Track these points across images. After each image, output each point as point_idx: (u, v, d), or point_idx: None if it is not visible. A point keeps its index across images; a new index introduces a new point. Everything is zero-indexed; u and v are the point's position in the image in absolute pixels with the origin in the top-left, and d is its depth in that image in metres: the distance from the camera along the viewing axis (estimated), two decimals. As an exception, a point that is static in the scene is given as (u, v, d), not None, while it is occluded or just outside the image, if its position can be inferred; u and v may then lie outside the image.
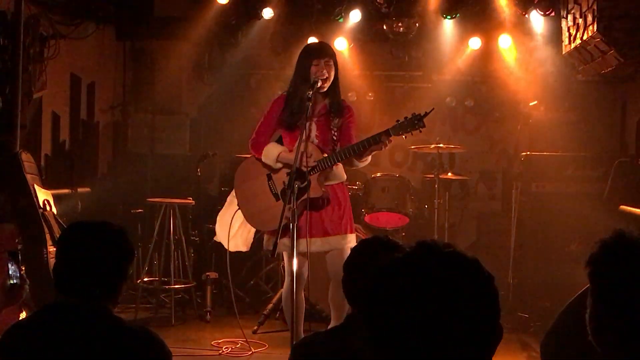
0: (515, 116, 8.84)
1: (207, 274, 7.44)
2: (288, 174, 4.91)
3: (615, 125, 8.67)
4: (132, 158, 9.19)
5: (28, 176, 6.33)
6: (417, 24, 8.50)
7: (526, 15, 8.08)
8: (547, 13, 7.85)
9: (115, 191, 8.49)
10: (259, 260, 7.94)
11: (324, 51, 5.16)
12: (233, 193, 5.54)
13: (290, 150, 5.06)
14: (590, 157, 7.62)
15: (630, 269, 1.75)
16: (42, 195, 6.37)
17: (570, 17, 7.16)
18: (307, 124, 5.06)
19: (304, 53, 5.21)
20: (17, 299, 2.93)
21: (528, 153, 7.70)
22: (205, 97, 9.58)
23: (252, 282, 7.87)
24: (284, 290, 5.36)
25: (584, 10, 6.66)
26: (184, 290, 7.53)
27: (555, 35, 7.99)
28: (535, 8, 7.85)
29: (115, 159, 9.41)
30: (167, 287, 7.35)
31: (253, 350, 6.09)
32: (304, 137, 4.88)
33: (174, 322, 7.03)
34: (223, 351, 6.11)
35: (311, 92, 4.92)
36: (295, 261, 4.74)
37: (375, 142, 4.90)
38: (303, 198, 4.87)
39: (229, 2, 8.40)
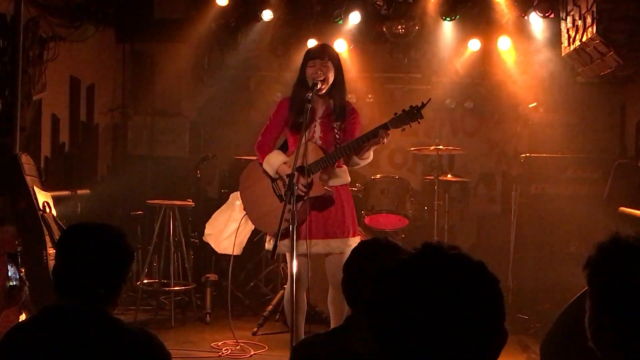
0: (514, 118, 8.85)
1: (207, 276, 7.43)
2: (288, 175, 4.91)
3: (615, 127, 8.67)
4: (132, 160, 9.19)
5: (28, 178, 6.33)
6: (416, 26, 8.51)
7: (525, 17, 8.09)
8: (546, 15, 7.85)
9: (115, 193, 8.49)
10: (259, 262, 7.95)
11: (320, 52, 5.16)
12: (232, 196, 5.54)
13: (292, 152, 5.06)
14: (590, 158, 7.62)
15: (627, 271, 1.76)
16: (42, 197, 6.37)
17: (569, 19, 7.17)
18: (312, 125, 5.08)
19: (303, 55, 5.23)
20: (17, 301, 2.93)
21: (527, 155, 7.70)
22: (204, 99, 9.59)
23: (251, 284, 7.87)
24: (285, 292, 5.36)
25: (583, 12, 6.66)
26: (184, 292, 7.53)
27: (554, 37, 7.99)
28: (534, 10, 7.85)
29: (114, 161, 9.42)
30: (166, 289, 7.35)
31: (253, 352, 6.09)
32: (304, 139, 4.88)
33: (173, 324, 7.03)
34: (222, 353, 6.11)
35: (310, 94, 4.92)
36: (294, 263, 4.74)
37: (374, 136, 4.90)
38: (305, 198, 4.87)
39: (228, 4, 8.41)
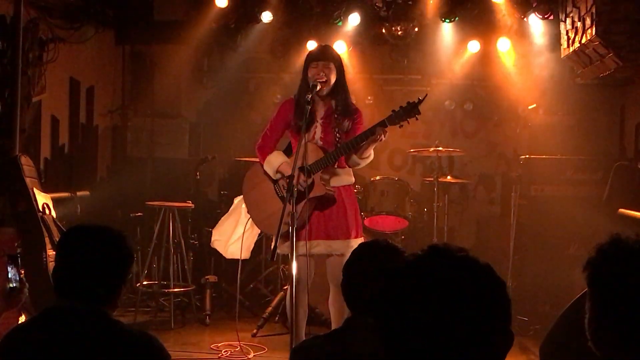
0: (514, 119, 8.85)
1: (207, 277, 7.43)
2: (287, 177, 4.91)
3: (614, 129, 8.67)
4: (132, 162, 9.20)
5: (27, 180, 6.34)
6: (416, 28, 8.51)
7: (525, 19, 8.09)
8: (545, 16, 7.86)
9: (115, 195, 8.49)
10: (259, 264, 7.95)
11: (321, 54, 5.17)
12: (237, 200, 5.54)
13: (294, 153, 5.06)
14: (589, 160, 7.62)
15: (627, 272, 1.76)
16: (42, 199, 6.38)
17: (568, 20, 7.17)
18: (313, 126, 5.09)
19: (305, 57, 5.24)
20: (17, 303, 2.93)
21: (527, 156, 7.70)
22: (204, 100, 9.59)
23: (251, 286, 7.87)
24: (287, 293, 5.36)
25: (582, 13, 6.66)
26: (183, 293, 7.53)
27: (553, 39, 8.00)
28: (533, 11, 7.86)
29: (114, 163, 9.42)
30: (166, 290, 7.34)
31: (253, 354, 6.09)
32: (305, 140, 4.88)
33: (173, 325, 7.03)
34: (222, 354, 6.11)
35: (310, 96, 4.92)
36: (294, 264, 4.74)
37: (371, 133, 4.90)
38: (306, 198, 4.87)
39: (228, 6, 8.41)
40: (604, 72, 6.90)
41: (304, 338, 4.98)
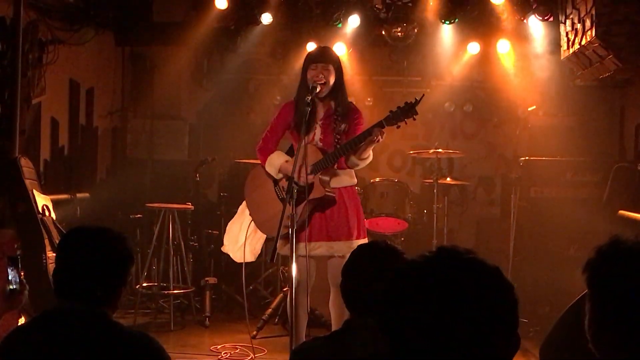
0: (513, 121, 8.85)
1: (206, 279, 7.44)
2: (287, 179, 4.91)
3: (614, 130, 8.67)
4: (131, 163, 9.19)
5: (27, 181, 6.34)
6: (415, 29, 8.52)
7: (524, 21, 8.09)
8: (545, 18, 7.86)
9: (114, 196, 8.48)
10: (258, 266, 7.94)
11: (320, 56, 5.18)
12: (242, 204, 5.53)
13: (295, 154, 5.07)
14: (589, 162, 7.61)
15: (627, 274, 1.76)
16: (41, 200, 6.37)
17: (568, 22, 7.17)
18: (312, 128, 5.10)
19: (305, 58, 5.24)
20: (17, 305, 2.93)
21: (527, 158, 7.70)
22: (204, 102, 9.59)
23: (251, 287, 7.87)
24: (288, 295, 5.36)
25: (582, 15, 6.67)
26: (183, 295, 7.53)
27: (553, 41, 8.00)
28: (533, 13, 7.86)
29: (114, 165, 9.42)
30: (166, 292, 7.35)
31: (252, 355, 6.09)
32: (305, 141, 4.89)
33: (172, 327, 7.03)
34: (222, 356, 6.11)
35: (310, 97, 4.93)
36: (294, 266, 4.74)
37: (369, 134, 4.91)
38: (306, 200, 4.87)
39: (228, 7, 8.41)
40: (603, 74, 6.90)
41: (303, 340, 4.98)
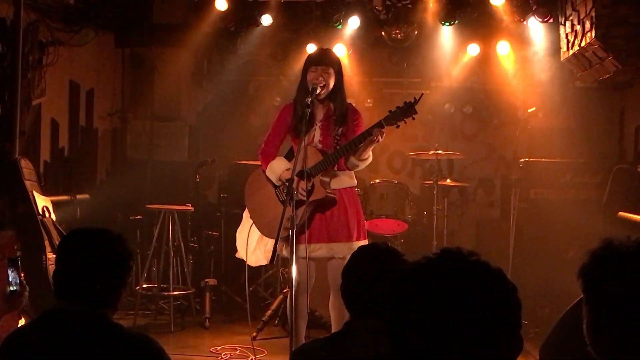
0: (513, 122, 8.86)
1: (206, 280, 7.43)
2: (287, 180, 4.91)
3: (614, 132, 8.68)
4: (131, 165, 9.19)
5: (27, 183, 6.34)
6: (415, 31, 8.52)
7: (524, 22, 8.10)
8: (545, 20, 7.86)
9: (114, 198, 8.48)
10: (258, 267, 7.92)
11: (321, 58, 5.17)
12: (246, 212, 5.53)
13: (295, 156, 5.06)
14: (589, 163, 7.62)
15: (620, 276, 1.76)
16: (41, 202, 6.38)
17: (568, 23, 7.18)
18: (312, 129, 5.10)
19: (305, 60, 5.24)
20: (17, 306, 2.93)
21: (527, 159, 7.70)
22: (204, 103, 9.59)
23: (251, 289, 7.86)
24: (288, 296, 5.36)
25: (582, 17, 6.67)
26: (183, 296, 7.53)
27: (553, 42, 8.01)
28: (533, 15, 7.87)
29: (114, 166, 9.42)
30: (166, 293, 7.35)
31: (252, 357, 6.09)
32: (305, 143, 4.89)
33: (172, 328, 7.03)
34: (222, 357, 6.11)
35: (309, 99, 4.93)
36: (294, 267, 4.74)
37: (369, 134, 4.91)
38: (308, 201, 4.88)
39: (228, 9, 8.41)
40: (603, 75, 6.91)
41: (303, 341, 4.98)
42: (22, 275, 4.35)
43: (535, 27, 8.19)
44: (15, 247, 5.45)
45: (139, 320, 7.24)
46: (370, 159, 5.21)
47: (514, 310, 1.56)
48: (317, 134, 5.16)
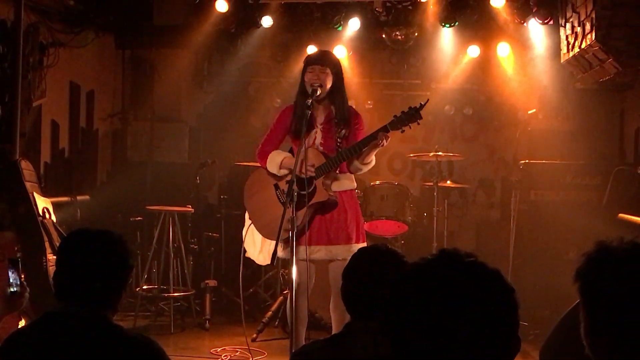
0: (513, 124, 8.85)
1: (206, 281, 7.43)
2: (287, 182, 4.91)
3: (614, 133, 8.68)
4: (132, 166, 9.19)
5: (27, 184, 6.34)
6: (415, 33, 8.52)
7: (524, 24, 8.09)
8: (545, 22, 7.86)
9: (115, 199, 8.49)
10: (258, 268, 7.93)
11: (318, 59, 5.17)
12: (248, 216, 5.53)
13: (295, 157, 5.06)
14: (589, 165, 7.62)
15: (615, 278, 1.77)
16: (42, 203, 6.37)
17: (568, 25, 7.18)
18: (312, 131, 5.10)
19: (304, 61, 5.24)
20: (18, 307, 2.93)
21: (527, 161, 7.70)
22: (204, 105, 9.59)
23: (251, 290, 7.87)
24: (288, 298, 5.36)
25: (582, 18, 6.68)
26: (183, 298, 7.52)
27: (553, 44, 8.01)
28: (533, 17, 7.86)
29: (114, 167, 9.42)
30: (166, 295, 7.35)
31: (252, 358, 6.09)
32: (305, 145, 4.89)
33: (173, 330, 7.03)
34: (222, 359, 6.11)
35: (310, 100, 4.93)
36: (294, 269, 4.74)
37: (373, 138, 4.91)
38: (309, 203, 4.87)
39: (228, 10, 8.41)
40: (603, 77, 6.91)
41: (303, 343, 4.97)
42: (23, 276, 4.35)
43: (536, 29, 8.19)
44: (16, 248, 5.45)
45: (139, 322, 7.24)
46: (373, 162, 5.21)
47: (511, 311, 1.57)
48: (318, 136, 5.15)
